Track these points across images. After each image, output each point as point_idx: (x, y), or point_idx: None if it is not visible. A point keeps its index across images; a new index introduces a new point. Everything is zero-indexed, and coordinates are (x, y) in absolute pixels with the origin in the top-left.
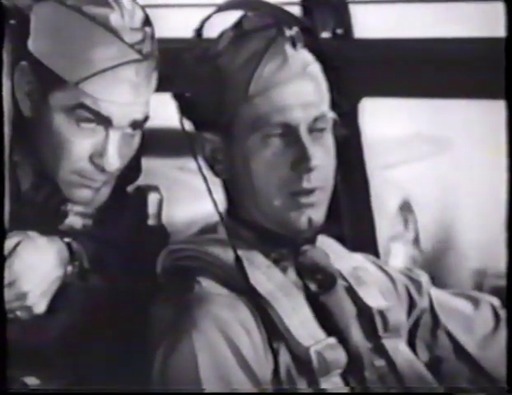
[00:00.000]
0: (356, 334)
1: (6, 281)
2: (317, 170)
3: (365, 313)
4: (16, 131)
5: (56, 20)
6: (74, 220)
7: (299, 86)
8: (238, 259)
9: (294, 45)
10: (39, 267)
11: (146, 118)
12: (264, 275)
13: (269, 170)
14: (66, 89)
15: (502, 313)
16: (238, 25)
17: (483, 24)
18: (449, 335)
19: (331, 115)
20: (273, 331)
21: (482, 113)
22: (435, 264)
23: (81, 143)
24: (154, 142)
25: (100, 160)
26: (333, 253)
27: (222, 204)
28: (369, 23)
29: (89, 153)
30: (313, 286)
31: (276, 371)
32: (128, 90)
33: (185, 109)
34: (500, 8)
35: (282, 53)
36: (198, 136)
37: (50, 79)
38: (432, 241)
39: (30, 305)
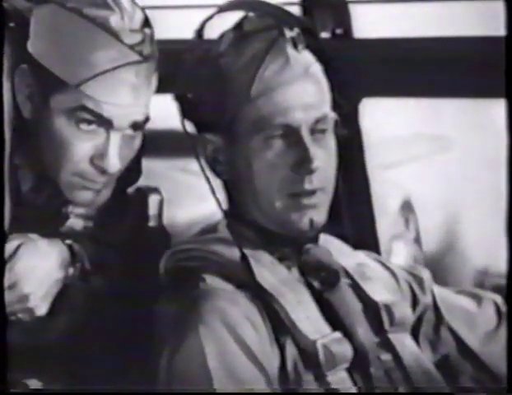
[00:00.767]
0: (362, 329)
1: (8, 283)
2: (318, 172)
3: (370, 308)
4: (17, 133)
5: (56, 23)
6: (75, 222)
7: (301, 88)
8: (244, 256)
9: (295, 46)
10: (40, 269)
11: (146, 120)
12: (269, 271)
13: (271, 171)
14: (66, 91)
15: (505, 310)
16: (239, 26)
17: (483, 23)
18: (452, 332)
19: (332, 116)
20: (279, 325)
21: (483, 113)
22: (437, 263)
23: (81, 145)
24: (154, 144)
25: (101, 162)
26: (336, 250)
27: (224, 205)
28: (369, 23)
29: (90, 155)
30: (317, 284)
31: (282, 365)
32: (129, 91)
33: (187, 111)
34: (500, 7)
35: (284, 55)
36: (200, 137)
37: (50, 81)
38: (433, 240)
39: (32, 307)
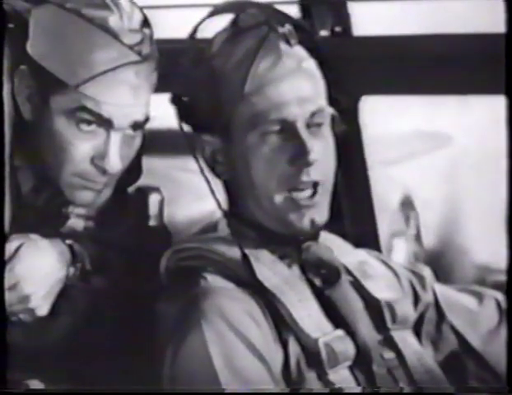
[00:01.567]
0: (364, 327)
1: (9, 283)
2: (316, 164)
3: (372, 306)
4: (17, 135)
5: (55, 24)
6: (76, 223)
7: (294, 82)
8: (244, 255)
9: (288, 42)
10: (41, 269)
11: (146, 119)
12: (270, 270)
13: (269, 167)
14: (66, 92)
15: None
16: (231, 25)
17: (483, 20)
18: (454, 329)
19: (329, 110)
20: (281, 323)
21: (482, 110)
22: (437, 260)
23: (82, 146)
24: (154, 143)
25: (102, 162)
26: (337, 248)
27: (224, 205)
28: (367, 20)
29: (90, 155)
30: (318, 281)
31: (285, 362)
32: (128, 91)
33: (183, 114)
34: (500, 4)
35: (276, 50)
36: (198, 138)
37: (50, 82)
38: (434, 237)
39: (33, 308)
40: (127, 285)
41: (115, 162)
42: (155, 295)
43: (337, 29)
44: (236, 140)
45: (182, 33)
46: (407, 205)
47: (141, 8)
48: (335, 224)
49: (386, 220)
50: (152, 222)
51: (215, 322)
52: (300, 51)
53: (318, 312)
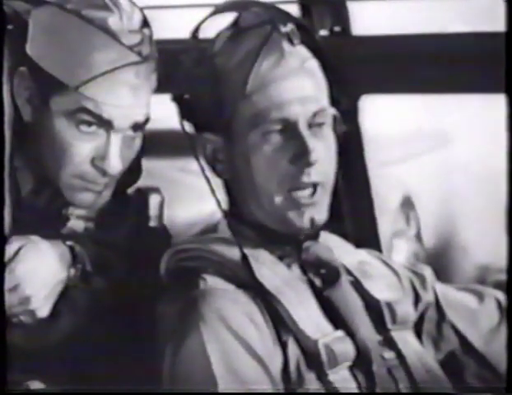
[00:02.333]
0: (364, 327)
1: (10, 285)
2: (317, 165)
3: (372, 307)
4: (17, 136)
5: (54, 25)
6: (76, 224)
7: (297, 82)
8: (244, 256)
9: (290, 41)
10: (41, 270)
11: (146, 120)
12: (270, 270)
13: (270, 167)
14: (66, 93)
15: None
16: (233, 24)
17: (483, 19)
18: (455, 329)
19: (331, 111)
20: (281, 324)
21: (482, 108)
22: (438, 260)
23: (82, 147)
24: (154, 144)
25: (102, 164)
26: (337, 248)
27: (224, 205)
28: (367, 20)
29: (90, 156)
30: (317, 281)
31: (285, 364)
32: (128, 92)
33: (185, 112)
34: (500, 3)
35: (279, 49)
36: (199, 137)
37: (50, 84)
38: (434, 237)
39: (34, 309)
40: (127, 287)
41: (115, 163)
42: (156, 295)
43: (337, 28)
44: (238, 138)
45: (182, 33)
46: (407, 205)
47: (141, 9)
48: (335, 224)
49: (386, 220)
50: (152, 223)
51: (213, 325)
52: (302, 51)
53: (317, 313)
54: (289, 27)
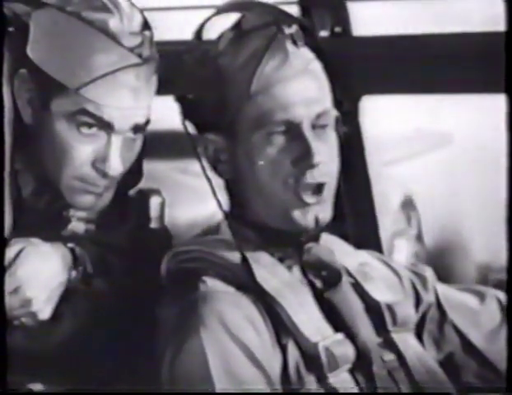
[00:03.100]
0: (364, 329)
1: (11, 287)
2: (320, 166)
3: (373, 308)
4: (17, 138)
5: (55, 27)
6: (77, 226)
7: (301, 83)
8: (244, 258)
9: (294, 43)
10: (42, 273)
11: (147, 122)
12: (270, 273)
13: (273, 168)
14: (67, 95)
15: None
16: (237, 25)
17: (483, 19)
18: (456, 329)
19: (334, 112)
20: (281, 327)
21: (483, 108)
22: (439, 260)
23: (83, 149)
24: (155, 145)
25: (103, 166)
26: (338, 250)
27: (225, 206)
28: (367, 20)
29: (91, 158)
30: (318, 283)
31: (284, 367)
32: (129, 94)
33: (188, 112)
34: (500, 3)
35: (283, 51)
36: (201, 137)
37: (50, 86)
38: (435, 237)
39: (35, 311)
40: (128, 288)
41: (116, 165)
42: (156, 297)
43: (337, 29)
44: (241, 139)
45: (183, 35)
46: (408, 205)
47: (141, 10)
48: (336, 225)
49: (387, 220)
50: (153, 225)
51: (213, 328)
52: (306, 52)
53: (318, 315)
54: (293, 28)
